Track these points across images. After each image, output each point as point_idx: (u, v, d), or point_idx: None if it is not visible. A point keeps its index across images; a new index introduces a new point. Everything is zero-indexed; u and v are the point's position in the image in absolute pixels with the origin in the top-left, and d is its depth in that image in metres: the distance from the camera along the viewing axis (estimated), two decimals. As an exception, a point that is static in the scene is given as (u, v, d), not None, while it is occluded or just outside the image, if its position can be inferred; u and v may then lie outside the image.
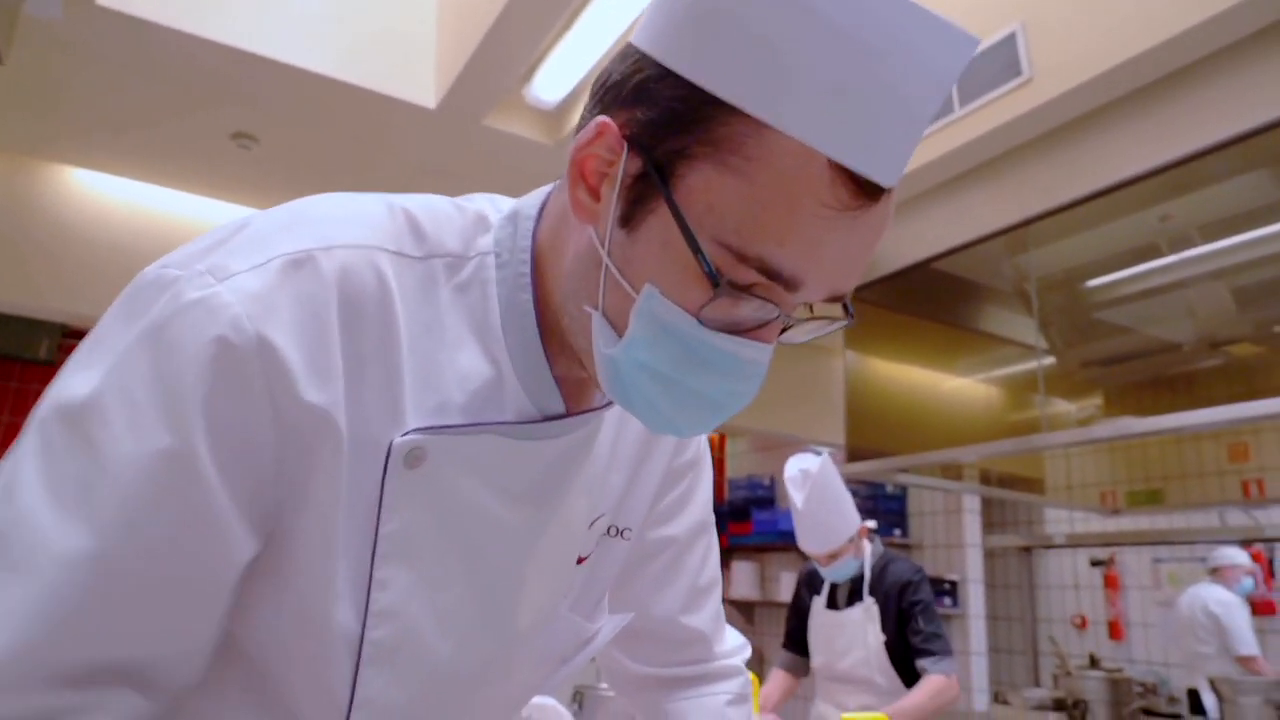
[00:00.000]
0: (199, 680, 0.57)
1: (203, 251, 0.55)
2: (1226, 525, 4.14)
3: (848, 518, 2.66)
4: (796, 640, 2.91)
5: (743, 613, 6.74)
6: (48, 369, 5.50)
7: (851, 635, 2.66)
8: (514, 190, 0.67)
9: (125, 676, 0.52)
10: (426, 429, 0.57)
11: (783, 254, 0.51)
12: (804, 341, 0.60)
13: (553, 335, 0.63)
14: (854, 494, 5.62)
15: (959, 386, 3.91)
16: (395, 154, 3.43)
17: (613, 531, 0.78)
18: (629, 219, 0.54)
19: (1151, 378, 3.53)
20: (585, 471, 0.69)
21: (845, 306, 0.58)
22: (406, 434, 0.57)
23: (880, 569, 2.71)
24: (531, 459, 0.63)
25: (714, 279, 0.51)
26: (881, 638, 2.61)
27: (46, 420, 0.52)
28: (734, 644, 0.95)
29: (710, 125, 0.51)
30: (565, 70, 2.90)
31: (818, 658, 2.78)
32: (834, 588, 2.77)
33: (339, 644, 0.58)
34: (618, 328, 0.56)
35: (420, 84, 3.08)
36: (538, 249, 0.63)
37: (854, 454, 3.71)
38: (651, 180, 0.53)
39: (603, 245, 0.56)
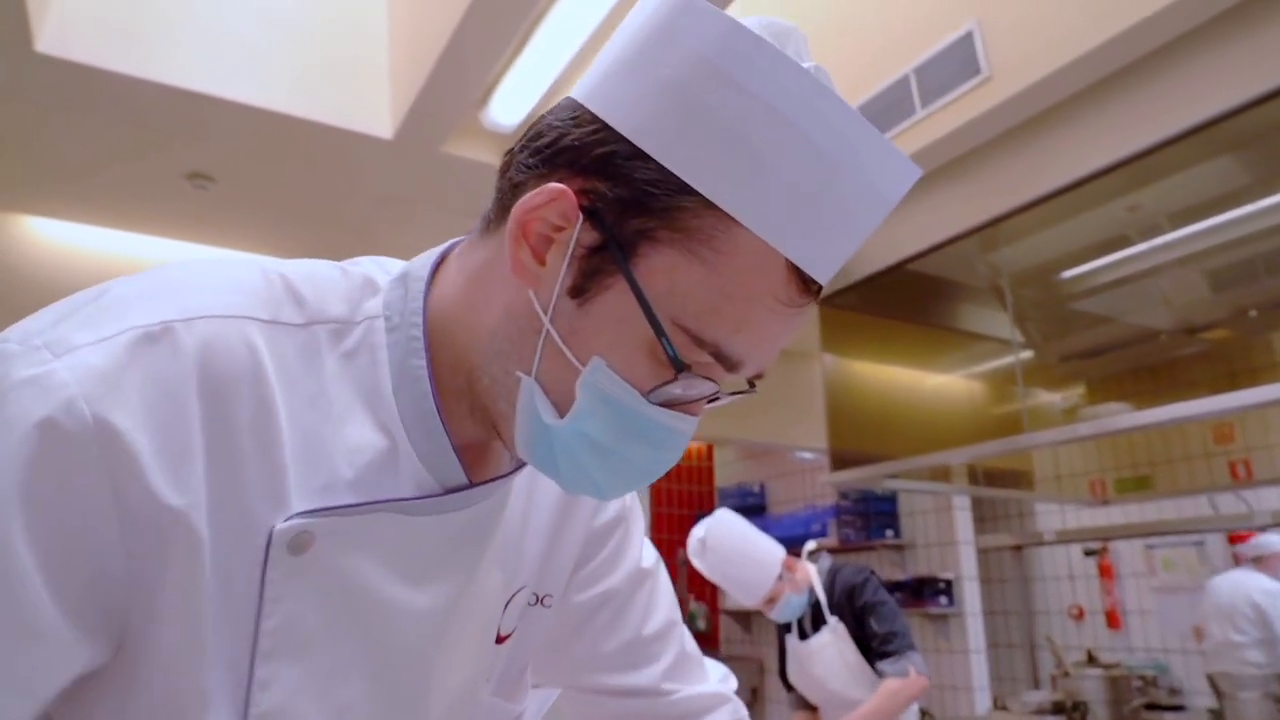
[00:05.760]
0: None
1: (49, 323, 0.51)
2: (1218, 511, 4.11)
3: (763, 563, 2.57)
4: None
5: (739, 622, 6.70)
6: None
7: (827, 660, 2.59)
8: (478, 216, 0.63)
9: None
10: (311, 512, 0.53)
11: (735, 340, 0.53)
12: (718, 406, 0.61)
13: (453, 400, 0.59)
14: (843, 496, 5.63)
15: (941, 384, 3.88)
16: (355, 186, 3.38)
17: (533, 601, 0.74)
18: (581, 291, 0.54)
19: (1132, 366, 3.52)
20: (496, 543, 0.65)
21: (751, 382, 0.60)
22: (289, 519, 0.52)
23: (831, 584, 2.64)
24: (433, 535, 0.58)
25: (677, 363, 0.52)
26: (856, 653, 2.55)
27: None
28: (713, 678, 0.89)
29: (681, 214, 0.52)
30: (522, 93, 2.86)
31: (807, 693, 2.72)
32: (799, 619, 2.71)
33: None
34: (552, 395, 0.55)
35: (376, 115, 3.03)
36: (438, 313, 0.60)
37: (839, 460, 3.67)
38: (610, 256, 0.53)
39: (545, 312, 0.54)
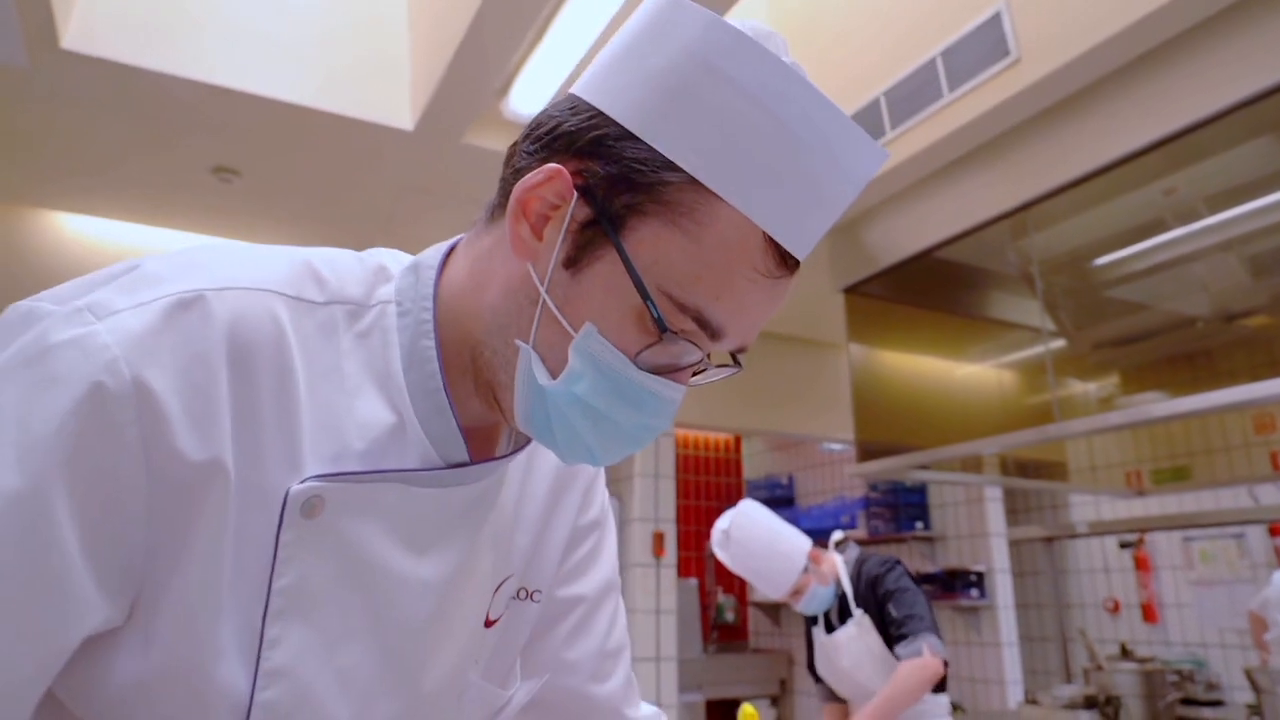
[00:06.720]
0: None
1: (85, 286, 0.54)
2: (1259, 503, 3.99)
3: (789, 555, 2.52)
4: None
5: (768, 615, 6.66)
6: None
7: (854, 653, 2.54)
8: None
9: None
10: (324, 476, 0.56)
11: (716, 307, 0.57)
12: (703, 384, 0.64)
13: (459, 378, 0.63)
14: (872, 487, 5.56)
15: (970, 374, 3.80)
16: (377, 178, 3.39)
17: (522, 594, 0.76)
18: (574, 261, 0.58)
19: (1168, 354, 3.42)
20: (491, 525, 0.68)
21: (735, 358, 0.63)
22: (304, 482, 0.56)
23: (858, 575, 2.59)
24: (436, 508, 0.62)
25: (661, 325, 0.56)
26: (882, 645, 2.51)
27: None
28: (647, 714, 0.89)
29: (667, 189, 0.56)
30: (541, 82, 2.84)
31: (836, 686, 2.68)
32: (825, 612, 2.66)
33: (223, 707, 0.54)
34: (548, 362, 0.59)
35: (397, 107, 3.03)
36: (446, 297, 0.64)
37: (865, 451, 3.61)
38: (602, 229, 0.57)
39: (542, 283, 0.58)
